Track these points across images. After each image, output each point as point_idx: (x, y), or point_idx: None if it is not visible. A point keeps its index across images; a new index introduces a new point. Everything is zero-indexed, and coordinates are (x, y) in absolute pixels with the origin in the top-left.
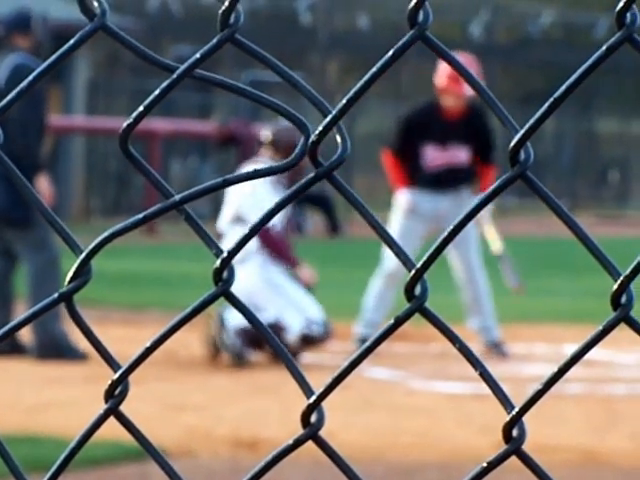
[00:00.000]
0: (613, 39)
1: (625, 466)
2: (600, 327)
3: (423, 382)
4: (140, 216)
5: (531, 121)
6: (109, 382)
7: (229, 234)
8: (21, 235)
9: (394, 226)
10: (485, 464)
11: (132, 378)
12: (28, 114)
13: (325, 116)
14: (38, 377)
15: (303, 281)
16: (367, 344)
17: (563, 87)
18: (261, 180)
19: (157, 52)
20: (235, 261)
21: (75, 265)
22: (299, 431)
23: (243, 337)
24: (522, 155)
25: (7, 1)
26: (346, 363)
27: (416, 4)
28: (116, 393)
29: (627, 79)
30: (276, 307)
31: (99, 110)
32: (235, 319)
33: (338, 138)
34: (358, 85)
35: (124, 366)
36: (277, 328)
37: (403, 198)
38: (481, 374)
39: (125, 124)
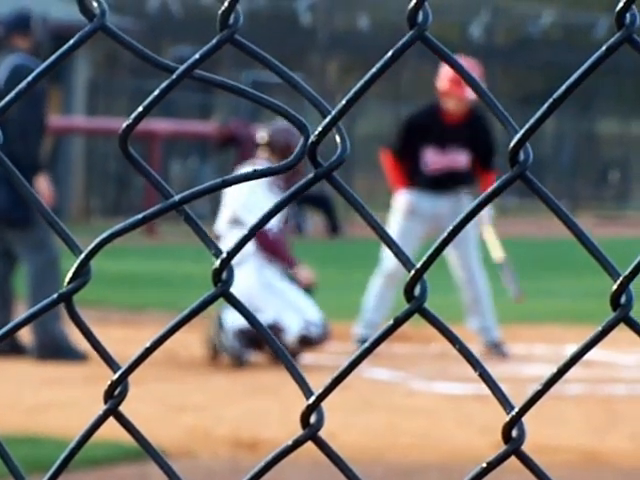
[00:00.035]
0: (613, 39)
1: (625, 467)
2: (600, 327)
3: (423, 383)
4: (140, 216)
5: (531, 121)
6: (109, 383)
7: (227, 236)
8: (21, 235)
9: (393, 227)
10: (485, 464)
11: (132, 378)
12: (28, 115)
13: (325, 116)
14: (38, 377)
15: (302, 282)
16: (366, 345)
17: (563, 87)
18: (257, 182)
19: (157, 52)
20: (232, 263)
21: (75, 265)
22: (299, 431)
23: (242, 338)
24: (522, 155)
25: (7, 1)
26: (346, 364)
27: (416, 4)
28: (116, 394)
29: (627, 79)
30: (274, 309)
31: (99, 110)
32: (233, 321)
33: (337, 138)
34: (358, 86)
35: (124, 367)
36: (275, 329)
37: (402, 199)
38: (481, 375)
39: (125, 124)
